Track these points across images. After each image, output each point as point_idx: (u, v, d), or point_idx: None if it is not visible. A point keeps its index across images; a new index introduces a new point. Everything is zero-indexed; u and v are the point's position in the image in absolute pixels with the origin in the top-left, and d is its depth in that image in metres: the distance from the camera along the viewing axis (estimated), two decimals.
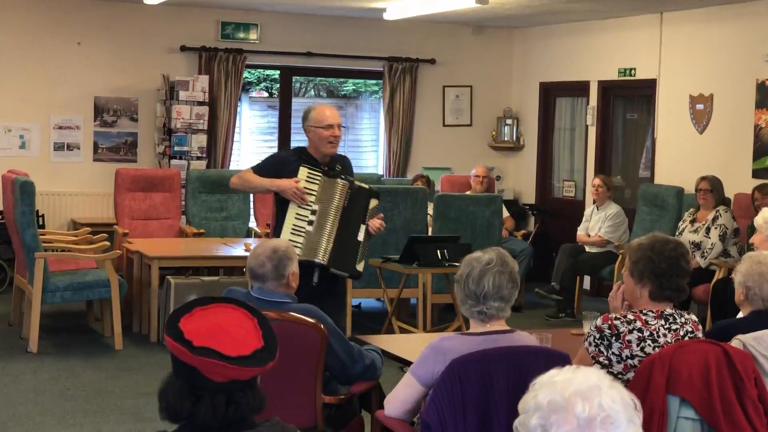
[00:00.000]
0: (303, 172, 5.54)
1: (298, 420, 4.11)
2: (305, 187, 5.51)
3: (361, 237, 5.61)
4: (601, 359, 3.72)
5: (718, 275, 8.17)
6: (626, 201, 10.43)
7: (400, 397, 3.74)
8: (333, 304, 5.50)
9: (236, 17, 10.98)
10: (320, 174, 5.56)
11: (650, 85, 10.19)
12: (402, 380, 3.77)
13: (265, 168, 5.72)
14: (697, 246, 8.44)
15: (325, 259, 5.49)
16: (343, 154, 5.91)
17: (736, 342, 3.95)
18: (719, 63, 9.42)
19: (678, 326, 3.76)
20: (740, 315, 4.43)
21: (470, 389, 3.46)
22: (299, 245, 5.40)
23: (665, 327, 3.73)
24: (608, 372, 3.64)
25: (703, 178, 8.64)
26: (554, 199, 11.70)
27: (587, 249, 9.81)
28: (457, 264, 7.45)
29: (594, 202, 10.01)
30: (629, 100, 10.95)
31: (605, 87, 10.86)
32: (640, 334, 3.69)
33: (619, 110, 10.98)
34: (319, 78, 11.95)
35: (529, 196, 11.91)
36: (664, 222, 9.43)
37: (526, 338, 3.75)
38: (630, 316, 3.73)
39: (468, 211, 8.90)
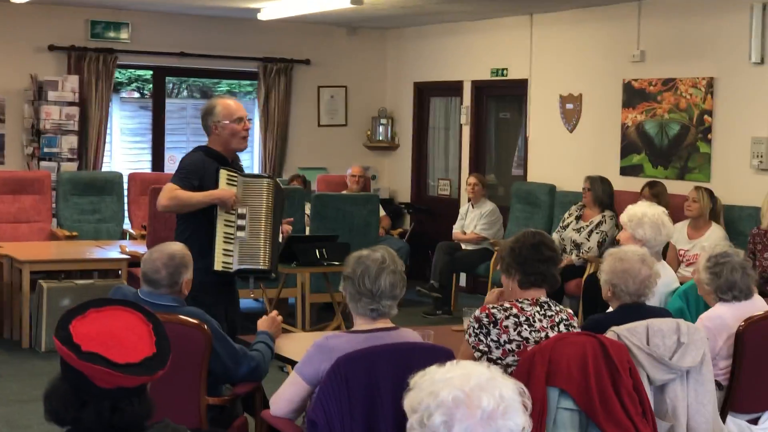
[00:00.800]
0: (223, 174, 5.13)
1: (182, 421, 4.06)
2: None
3: (280, 238, 5.37)
4: (481, 347, 3.85)
5: (590, 270, 8.38)
6: (500, 199, 10.61)
7: (286, 396, 3.74)
8: (237, 309, 5.46)
9: (106, 16, 10.76)
10: (238, 175, 5.19)
11: (522, 85, 10.38)
12: (288, 379, 3.78)
13: (188, 180, 5.12)
14: (577, 246, 8.65)
15: (267, 264, 5.19)
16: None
17: (611, 333, 4.07)
18: (588, 64, 9.67)
19: (553, 313, 3.94)
20: (609, 309, 4.56)
21: (356, 386, 3.49)
22: (232, 253, 5.11)
23: (540, 313, 3.91)
24: (487, 358, 3.77)
25: (587, 178, 8.85)
26: (429, 197, 11.83)
27: (463, 246, 9.95)
28: (336, 263, 7.54)
29: (469, 200, 10.16)
30: (502, 100, 11.14)
31: (478, 87, 11.02)
32: (517, 320, 3.86)
33: (492, 110, 11.16)
34: (192, 78, 11.82)
35: (404, 195, 12.01)
36: (537, 219, 9.64)
37: (410, 335, 3.80)
38: (506, 305, 3.91)
39: (345, 210, 8.92)
